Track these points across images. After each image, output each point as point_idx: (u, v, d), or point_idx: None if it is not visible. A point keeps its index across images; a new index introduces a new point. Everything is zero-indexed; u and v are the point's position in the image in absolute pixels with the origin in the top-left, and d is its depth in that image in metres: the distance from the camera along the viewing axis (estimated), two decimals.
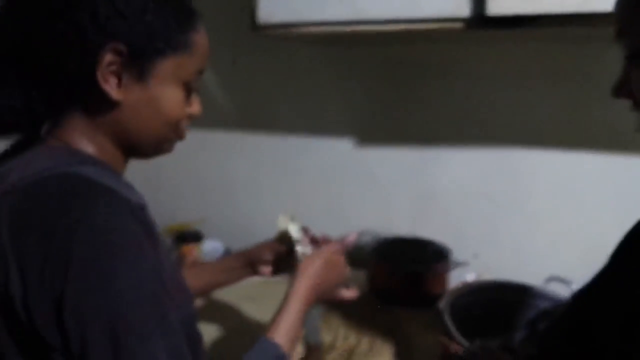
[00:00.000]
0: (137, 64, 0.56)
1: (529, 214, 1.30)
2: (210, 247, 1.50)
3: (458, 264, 1.20)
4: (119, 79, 0.55)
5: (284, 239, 0.91)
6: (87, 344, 0.47)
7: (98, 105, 0.57)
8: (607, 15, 0.81)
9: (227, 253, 1.50)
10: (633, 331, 0.43)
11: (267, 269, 0.94)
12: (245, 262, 0.95)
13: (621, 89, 0.54)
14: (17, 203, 0.51)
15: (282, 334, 0.70)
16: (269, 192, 1.61)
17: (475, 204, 1.35)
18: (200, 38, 0.61)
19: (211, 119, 1.57)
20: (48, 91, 0.56)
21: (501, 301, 1.01)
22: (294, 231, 0.89)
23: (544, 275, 1.09)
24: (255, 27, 1.08)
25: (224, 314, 1.18)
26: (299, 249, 0.86)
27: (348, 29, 1.02)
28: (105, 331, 0.47)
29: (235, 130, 1.59)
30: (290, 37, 1.20)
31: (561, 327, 0.54)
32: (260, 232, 1.60)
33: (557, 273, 1.03)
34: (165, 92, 0.59)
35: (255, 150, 1.59)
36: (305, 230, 0.92)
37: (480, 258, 1.32)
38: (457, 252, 1.25)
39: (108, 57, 0.54)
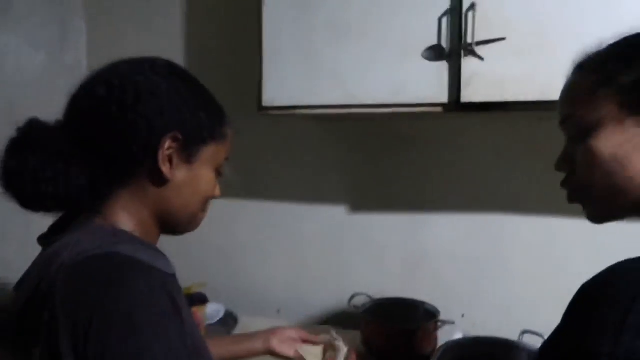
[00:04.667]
0: (187, 149, 0.69)
1: (510, 275, 1.40)
2: (213, 310, 1.56)
3: (446, 323, 1.28)
4: (171, 161, 0.68)
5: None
6: None
7: (149, 182, 0.68)
8: None
9: (229, 315, 1.57)
10: None
11: (283, 346, 0.99)
12: (266, 336, 1.00)
13: (561, 164, 0.67)
14: (67, 279, 0.60)
15: None
16: (268, 257, 1.69)
17: (462, 265, 1.45)
18: (230, 131, 0.75)
19: None
20: (110, 170, 0.67)
21: (485, 355, 1.09)
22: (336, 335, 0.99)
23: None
24: (261, 109, 1.22)
25: None
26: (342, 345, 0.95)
27: (341, 111, 1.16)
28: None
29: (238, 198, 1.70)
30: (290, 117, 1.34)
31: None
32: (260, 295, 1.69)
33: (537, 328, 1.12)
34: (204, 173, 0.72)
35: (256, 217, 1.69)
36: None
37: (466, 317, 1.41)
38: (446, 311, 1.33)
39: (168, 143, 0.66)
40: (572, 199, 0.67)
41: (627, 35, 0.62)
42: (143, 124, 0.65)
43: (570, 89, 0.65)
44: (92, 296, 0.57)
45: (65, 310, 0.57)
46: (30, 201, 0.65)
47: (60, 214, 0.71)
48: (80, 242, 0.62)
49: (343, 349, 0.95)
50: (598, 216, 0.65)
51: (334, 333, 1.01)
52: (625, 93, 0.58)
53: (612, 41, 0.63)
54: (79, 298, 0.58)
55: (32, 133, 0.65)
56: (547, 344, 0.57)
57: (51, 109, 0.70)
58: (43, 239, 0.69)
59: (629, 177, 0.58)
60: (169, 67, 0.71)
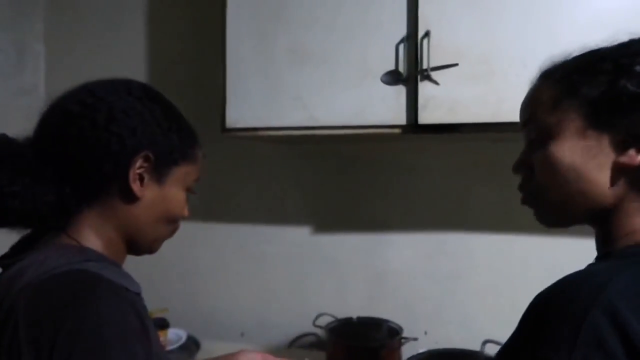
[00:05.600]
0: (159, 169, 0.69)
1: (468, 291, 1.44)
2: (174, 335, 1.54)
3: (409, 340, 1.31)
4: (142, 180, 0.68)
5: None
6: None
7: (119, 201, 0.68)
8: (511, 124, 1.01)
9: (191, 340, 1.54)
10: None
11: None
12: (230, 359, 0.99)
13: (519, 167, 0.68)
14: (32, 298, 0.58)
15: None
16: (231, 280, 1.68)
17: (422, 283, 1.49)
18: (200, 153, 0.77)
19: None
20: (80, 188, 0.66)
21: None
22: None
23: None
24: (224, 130, 1.24)
25: None
26: None
27: (303, 133, 1.19)
28: None
29: (199, 221, 1.69)
30: (254, 139, 1.36)
31: None
32: (223, 319, 1.67)
33: (496, 338, 1.16)
34: (174, 193, 0.72)
35: (218, 239, 1.68)
36: None
37: (429, 334, 1.44)
38: (409, 329, 1.35)
39: (139, 162, 0.67)
40: (525, 201, 0.68)
41: (593, 48, 0.64)
42: (115, 142, 0.66)
43: (535, 95, 0.67)
44: (57, 314, 0.56)
45: (28, 331, 0.56)
46: None
47: (21, 235, 0.69)
48: (46, 261, 0.61)
49: None
50: (549, 220, 0.67)
51: None
52: (588, 106, 0.59)
53: (578, 53, 0.64)
54: (43, 317, 0.56)
55: None
56: (502, 352, 0.58)
57: (8, 131, 0.69)
58: (4, 260, 0.67)
59: (583, 188, 0.60)
60: (143, 89, 0.72)
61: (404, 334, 1.33)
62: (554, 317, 0.51)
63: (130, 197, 0.68)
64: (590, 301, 0.49)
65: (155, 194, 0.70)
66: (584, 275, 0.53)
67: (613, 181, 0.59)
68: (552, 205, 0.65)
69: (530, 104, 0.67)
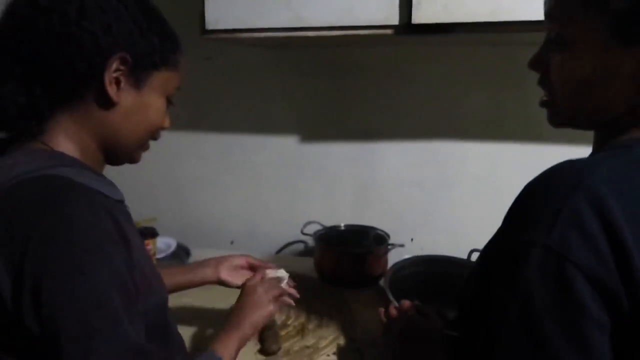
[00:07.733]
0: (137, 73, 0.64)
1: (456, 199, 1.45)
2: (163, 244, 1.55)
3: (396, 246, 1.33)
4: (118, 84, 0.63)
5: None
6: (61, 330, 0.51)
7: (94, 105, 0.63)
8: (511, 24, 0.95)
9: (181, 248, 1.56)
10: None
11: (233, 275, 0.98)
12: (215, 265, 0.99)
13: (535, 63, 0.63)
14: (1, 203, 0.56)
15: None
16: (219, 189, 1.67)
17: (410, 191, 1.49)
18: (183, 59, 0.71)
19: None
20: (51, 89, 0.62)
21: (433, 273, 1.15)
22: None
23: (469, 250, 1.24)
24: (204, 32, 1.16)
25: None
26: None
27: (289, 34, 1.12)
28: (79, 319, 0.52)
29: (184, 130, 1.64)
30: (236, 41, 1.28)
31: (467, 282, 0.66)
32: (213, 227, 1.68)
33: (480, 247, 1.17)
34: (153, 101, 0.68)
35: (205, 149, 1.65)
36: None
37: (415, 241, 1.46)
38: (395, 236, 1.37)
39: (116, 64, 0.62)
40: (544, 102, 0.64)
41: None
42: (88, 40, 0.60)
43: None
44: (27, 222, 0.54)
45: (1, 241, 0.53)
46: None
47: None
48: (16, 166, 0.58)
49: (284, 275, 0.96)
50: (557, 120, 0.64)
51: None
52: (617, 18, 0.53)
53: None
54: (13, 223, 0.54)
55: None
56: (488, 243, 0.59)
57: None
58: None
59: (594, 103, 0.57)
60: None
61: (391, 241, 1.34)
62: (536, 200, 0.52)
63: (107, 102, 0.64)
64: (573, 184, 0.49)
65: (133, 100, 0.66)
66: (569, 162, 0.53)
67: (628, 92, 0.55)
68: (561, 109, 0.62)
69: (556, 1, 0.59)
